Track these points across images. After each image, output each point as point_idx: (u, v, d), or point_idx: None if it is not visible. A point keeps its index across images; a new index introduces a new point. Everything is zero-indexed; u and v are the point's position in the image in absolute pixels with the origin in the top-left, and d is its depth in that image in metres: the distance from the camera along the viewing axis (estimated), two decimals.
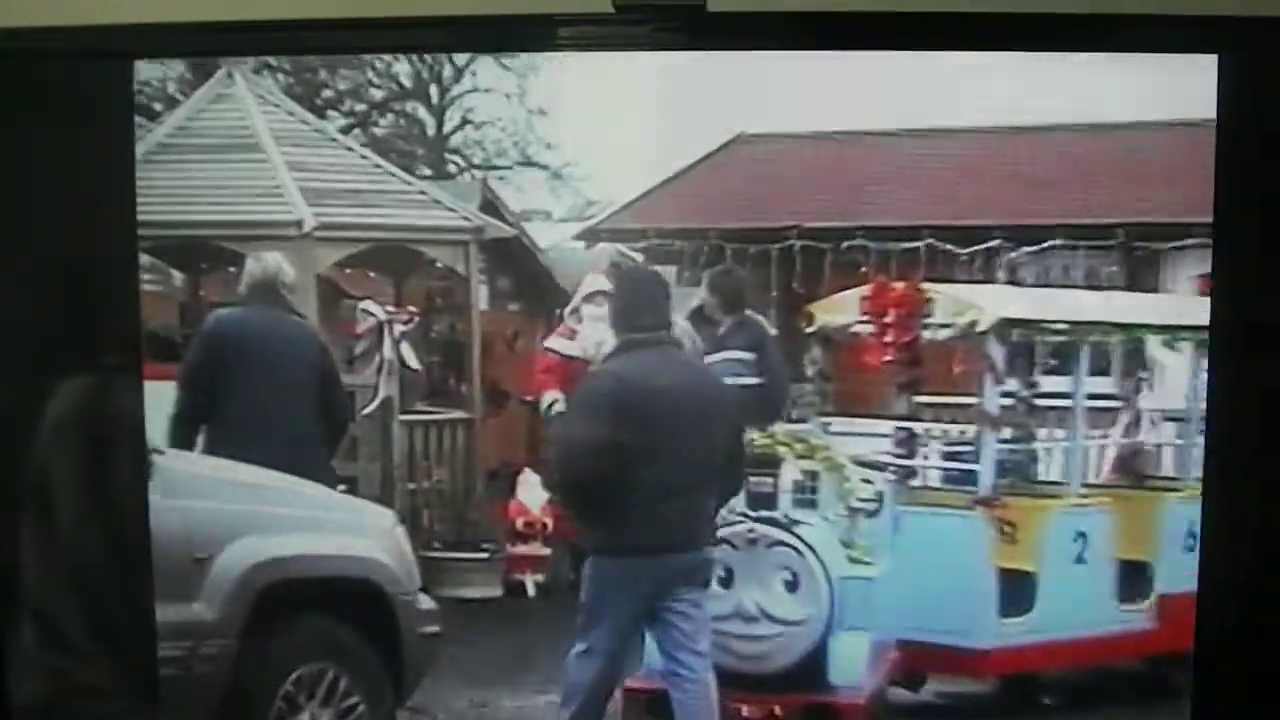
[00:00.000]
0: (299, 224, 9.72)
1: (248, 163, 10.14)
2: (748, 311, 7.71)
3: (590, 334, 7.30)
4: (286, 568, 4.59)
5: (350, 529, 4.86)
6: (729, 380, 6.90)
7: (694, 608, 4.75)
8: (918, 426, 6.76)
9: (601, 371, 5.16)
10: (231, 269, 13.07)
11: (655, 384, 4.99)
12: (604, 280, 7.98)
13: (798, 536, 4.92)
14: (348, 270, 12.38)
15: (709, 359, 7.41)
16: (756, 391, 7.41)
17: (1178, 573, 5.97)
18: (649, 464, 4.80)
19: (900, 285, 5.86)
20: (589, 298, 7.75)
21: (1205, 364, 6.40)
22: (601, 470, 4.80)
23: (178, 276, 12.72)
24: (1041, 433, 6.96)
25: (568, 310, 7.99)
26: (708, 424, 4.87)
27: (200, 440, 5.59)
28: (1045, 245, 12.26)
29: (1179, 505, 6.11)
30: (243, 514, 4.60)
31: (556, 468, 5.10)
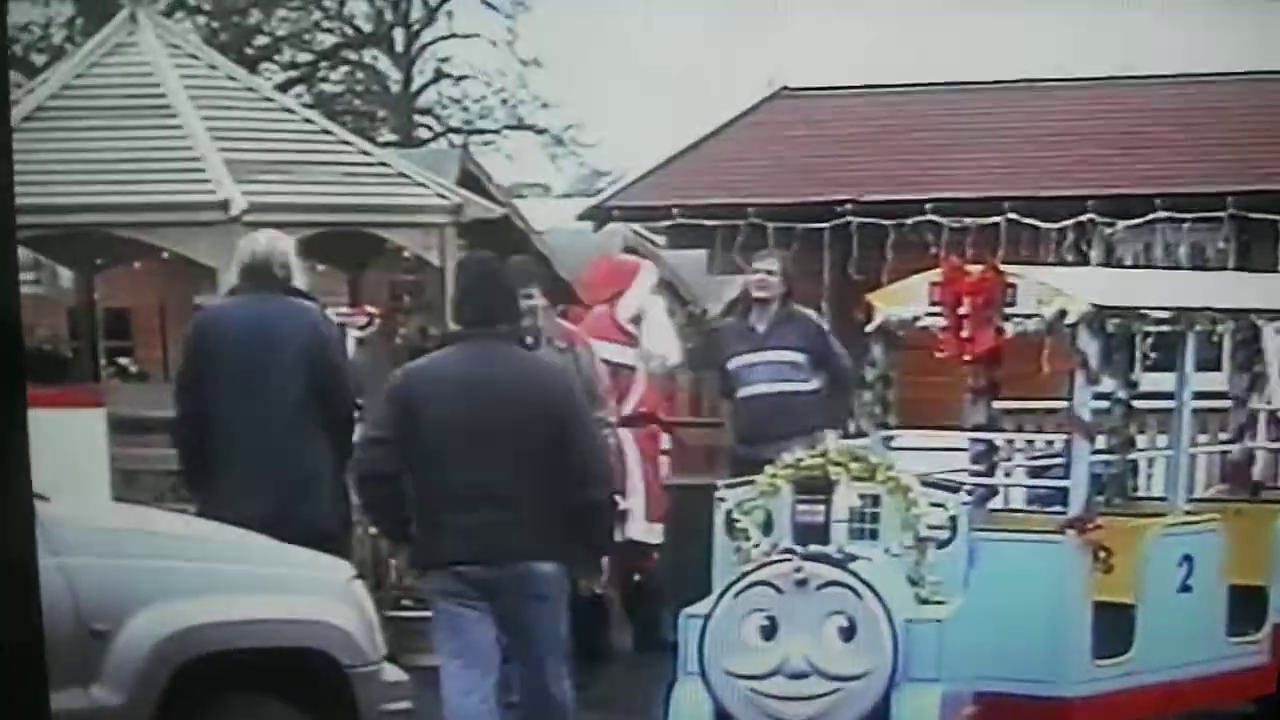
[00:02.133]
0: (224, 205, 9.78)
1: (157, 130, 10.18)
2: (794, 304, 7.79)
3: (653, 334, 7.49)
4: (211, 638, 4.36)
5: (293, 586, 4.63)
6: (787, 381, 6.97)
7: (520, 625, 4.96)
8: (998, 438, 6.88)
9: (408, 369, 5.34)
10: (138, 265, 13.08)
11: (457, 381, 5.08)
12: (661, 268, 7.91)
13: (855, 574, 4.92)
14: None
15: (741, 361, 7.48)
16: (811, 401, 7.46)
17: None
18: (450, 469, 4.98)
19: (976, 269, 5.71)
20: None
21: None
22: (391, 471, 5.02)
23: (66, 276, 12.75)
24: (1141, 440, 7.03)
25: (622, 306, 7.87)
26: (517, 425, 4.97)
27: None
28: (1147, 218, 12.32)
29: None
30: (153, 572, 4.33)
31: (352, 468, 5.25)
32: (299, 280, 6.06)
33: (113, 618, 4.24)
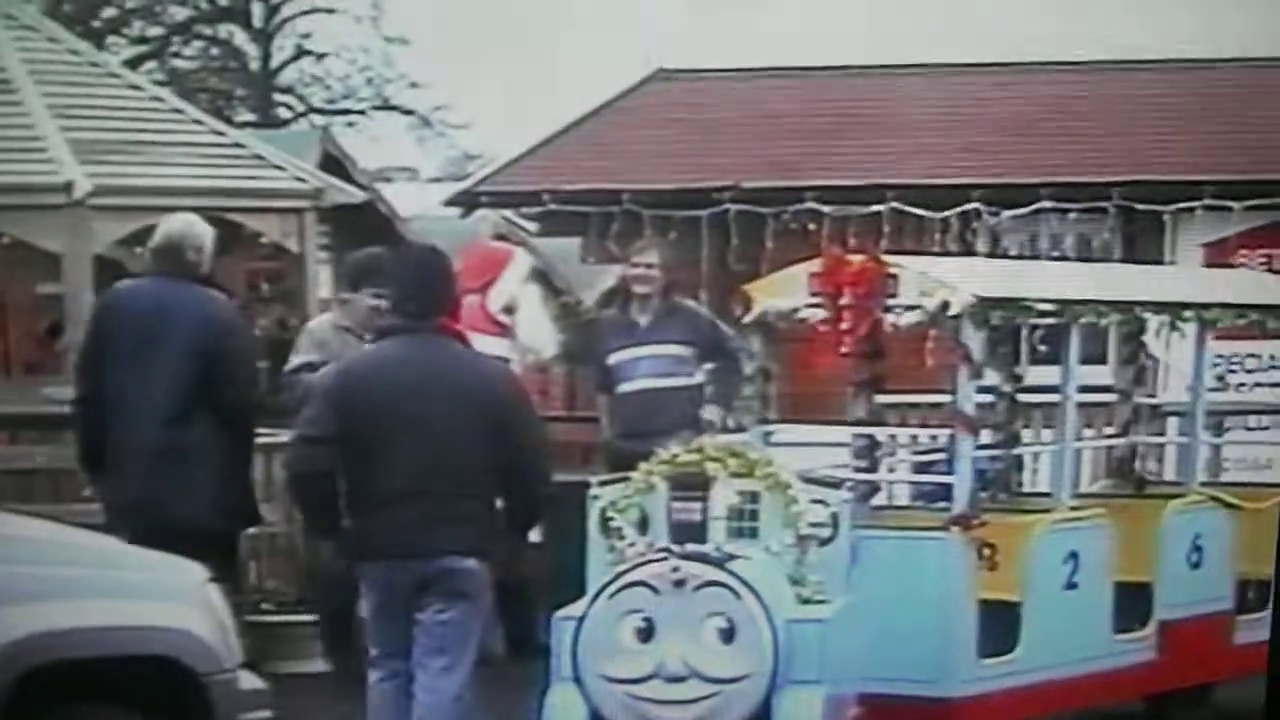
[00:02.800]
0: (67, 188, 9.63)
1: None
2: (676, 297, 7.83)
3: (527, 325, 7.53)
4: (54, 645, 4.30)
5: (143, 591, 4.56)
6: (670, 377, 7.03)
7: (439, 621, 5.08)
8: (880, 433, 6.98)
9: (342, 365, 5.49)
10: None
11: (393, 377, 5.21)
12: (533, 256, 7.93)
13: (734, 574, 4.93)
14: (138, 248, 12.26)
15: (622, 356, 7.50)
16: (695, 395, 7.51)
17: (1181, 593, 6.27)
18: (376, 461, 5.13)
19: (858, 259, 5.74)
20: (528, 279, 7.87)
21: (1211, 350, 6.66)
22: (319, 466, 5.17)
23: None
24: (1026, 435, 7.18)
25: (493, 296, 7.90)
26: (454, 422, 5.10)
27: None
28: (1032, 208, 12.60)
29: (1181, 514, 6.41)
30: None
31: (290, 460, 5.42)
32: (209, 266, 6.17)
33: None
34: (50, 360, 11.52)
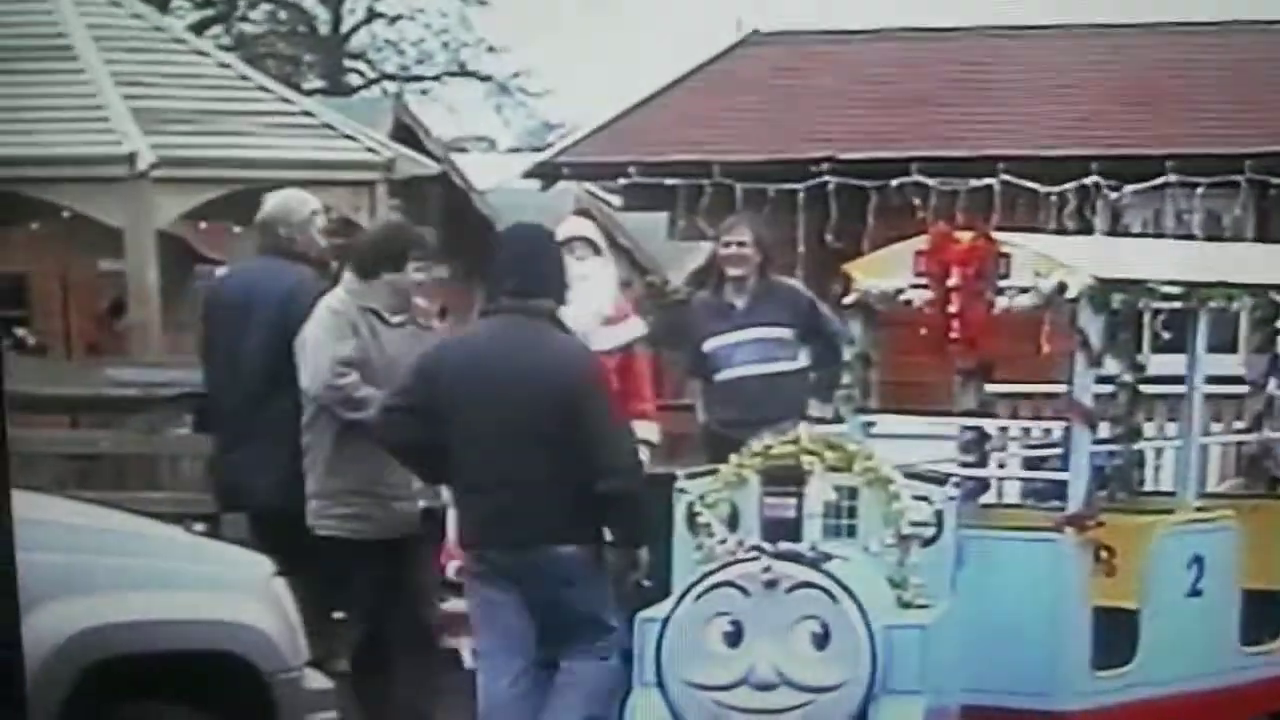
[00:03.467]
0: (130, 159, 9.76)
1: (57, 75, 10.12)
2: (773, 275, 7.75)
3: (574, 301, 7.33)
4: (114, 640, 4.34)
5: (207, 583, 4.61)
6: (779, 366, 7.00)
7: (558, 607, 5.22)
8: (989, 425, 6.87)
9: (442, 343, 5.68)
10: (36, 226, 13.01)
11: (479, 360, 5.35)
12: (585, 225, 7.84)
13: (829, 575, 4.90)
14: (202, 224, 12.33)
15: (719, 342, 7.41)
16: (802, 380, 7.44)
17: None
18: (472, 451, 5.29)
19: (967, 236, 5.61)
20: (564, 247, 7.68)
21: None
22: (406, 440, 5.38)
23: None
24: (1148, 429, 7.05)
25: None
26: (532, 408, 5.22)
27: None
28: (1157, 182, 12.37)
29: None
30: (53, 567, 4.24)
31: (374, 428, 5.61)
32: (310, 243, 6.37)
33: None
34: (112, 340, 11.69)
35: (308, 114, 10.26)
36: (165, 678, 4.53)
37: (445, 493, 5.83)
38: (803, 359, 7.24)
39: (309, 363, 5.96)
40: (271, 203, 6.48)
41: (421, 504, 5.94)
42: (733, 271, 7.26)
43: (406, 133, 13.77)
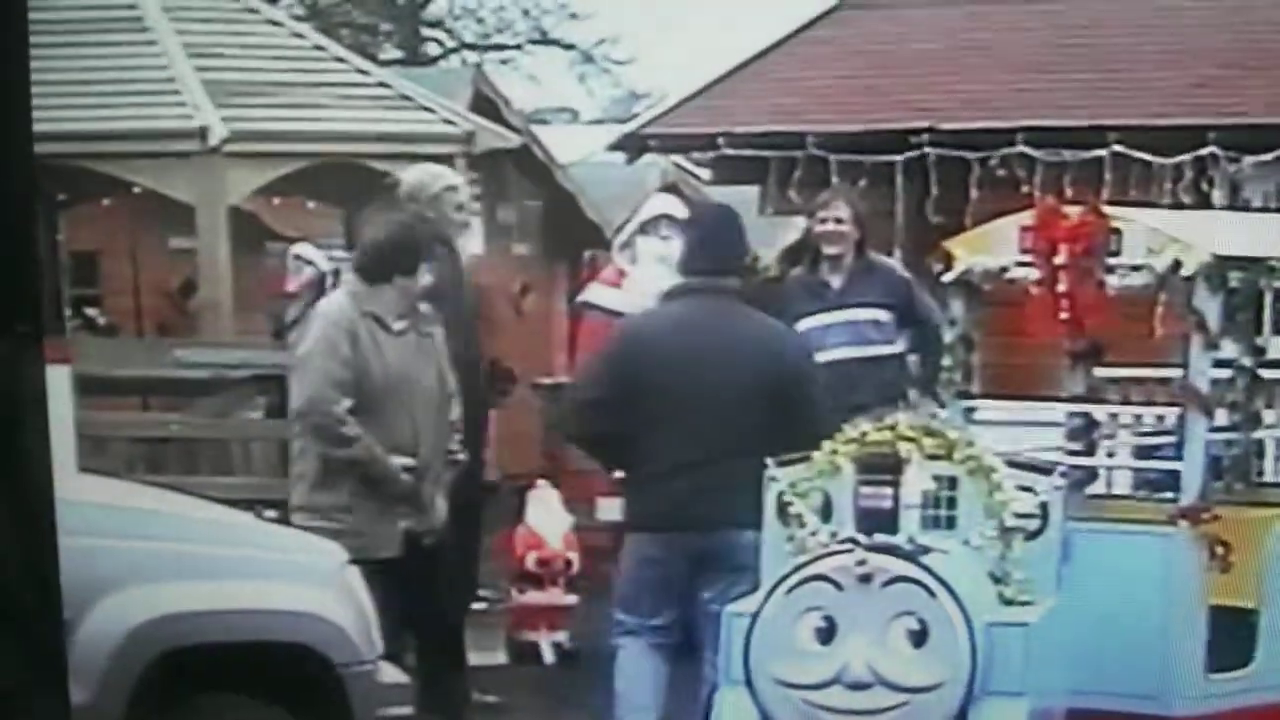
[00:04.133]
0: (202, 133, 9.87)
1: (127, 47, 10.25)
2: (871, 254, 7.72)
3: (648, 278, 7.30)
4: (186, 630, 4.38)
5: (279, 572, 4.64)
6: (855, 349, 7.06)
7: (726, 593, 5.28)
8: (1099, 411, 6.83)
9: (626, 326, 5.83)
10: (107, 202, 13.20)
11: (675, 341, 5.52)
12: (672, 202, 7.86)
13: (928, 569, 4.88)
14: (276, 200, 12.47)
15: (814, 323, 7.42)
16: (898, 365, 7.43)
17: None
18: (653, 428, 5.47)
19: (1076, 210, 5.62)
20: (649, 226, 7.67)
21: None
22: (609, 433, 5.54)
23: None
24: (1268, 416, 6.97)
25: (617, 245, 7.84)
26: (731, 389, 5.43)
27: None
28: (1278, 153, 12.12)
29: None
30: (123, 553, 4.34)
31: (566, 421, 5.84)
32: (449, 219, 6.50)
33: (76, 604, 4.18)
34: (183, 321, 11.83)
35: (384, 85, 10.33)
36: (236, 668, 4.57)
37: (440, 503, 5.89)
38: (900, 343, 7.19)
39: (303, 382, 5.86)
40: (410, 173, 6.65)
41: (403, 525, 5.82)
42: (829, 249, 7.21)
43: (486, 104, 13.81)
